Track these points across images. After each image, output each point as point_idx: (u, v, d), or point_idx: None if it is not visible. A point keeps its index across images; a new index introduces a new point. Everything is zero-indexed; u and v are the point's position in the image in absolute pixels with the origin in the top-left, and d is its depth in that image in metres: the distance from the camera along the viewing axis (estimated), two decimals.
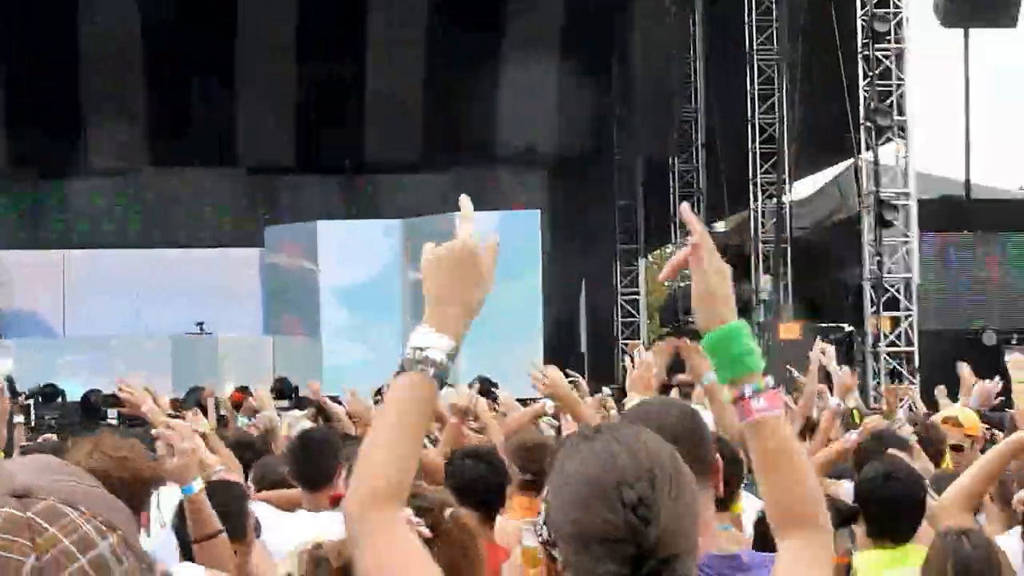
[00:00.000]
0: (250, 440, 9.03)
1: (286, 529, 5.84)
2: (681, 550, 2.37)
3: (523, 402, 10.97)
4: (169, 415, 6.63)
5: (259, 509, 6.32)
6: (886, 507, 5.64)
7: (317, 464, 6.73)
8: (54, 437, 10.60)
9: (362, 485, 2.57)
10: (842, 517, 4.58)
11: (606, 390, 14.34)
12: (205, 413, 10.27)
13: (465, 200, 2.90)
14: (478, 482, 5.71)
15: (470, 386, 14.55)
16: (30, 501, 1.64)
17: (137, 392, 7.22)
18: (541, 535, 2.45)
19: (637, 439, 2.48)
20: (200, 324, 25.00)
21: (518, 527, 5.69)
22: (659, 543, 2.34)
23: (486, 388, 14.16)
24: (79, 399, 21.84)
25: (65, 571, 1.59)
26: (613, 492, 2.35)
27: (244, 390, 15.48)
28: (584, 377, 12.70)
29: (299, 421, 10.38)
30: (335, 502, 6.29)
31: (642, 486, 2.36)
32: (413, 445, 2.66)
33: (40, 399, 22.22)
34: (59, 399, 22.18)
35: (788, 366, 14.56)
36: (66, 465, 1.74)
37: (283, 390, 17.48)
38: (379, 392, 15.58)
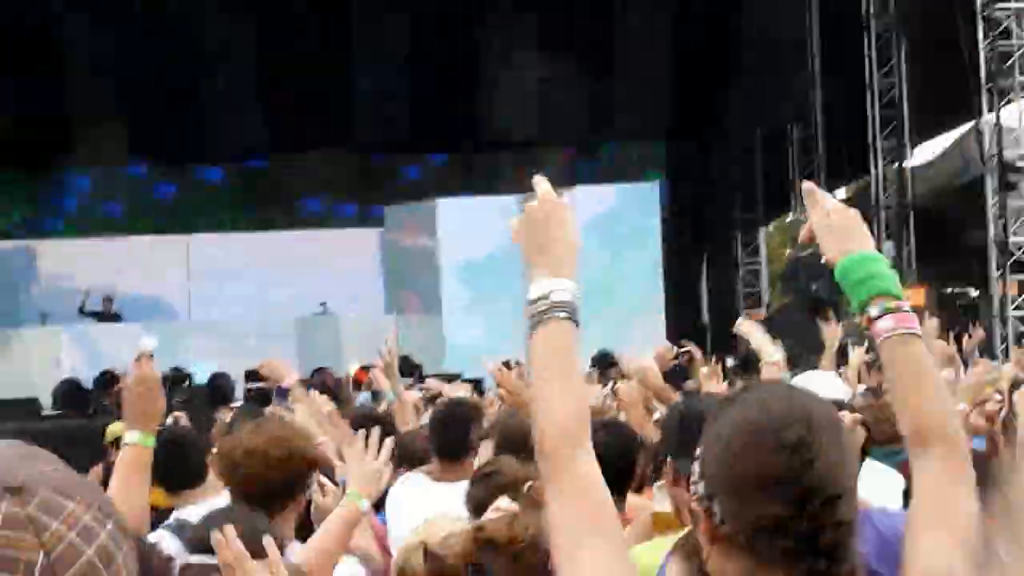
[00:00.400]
0: (374, 415, 9.08)
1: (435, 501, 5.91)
2: (841, 490, 2.37)
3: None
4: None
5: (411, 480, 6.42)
6: None
7: (457, 435, 6.78)
8: (184, 417, 10.72)
9: (550, 426, 2.60)
10: None
11: (729, 361, 14.27)
12: (330, 394, 10.36)
13: (539, 179, 2.89)
14: (605, 453, 5.68)
15: (593, 362, 14.61)
16: (27, 496, 1.62)
17: (279, 366, 7.43)
18: (696, 491, 2.43)
19: (789, 390, 2.54)
20: (323, 304, 25.25)
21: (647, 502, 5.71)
22: (820, 483, 2.34)
23: (606, 362, 14.18)
24: (206, 382, 22.17)
25: (75, 565, 1.59)
26: (771, 436, 2.36)
27: (367, 369, 15.61)
28: (707, 348, 12.70)
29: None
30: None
31: (800, 428, 2.36)
32: (580, 389, 2.75)
33: (168, 382, 22.52)
34: (186, 382, 22.46)
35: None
36: (34, 448, 1.71)
37: (404, 368, 17.57)
38: (505, 366, 15.66)
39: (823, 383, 6.13)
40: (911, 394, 2.75)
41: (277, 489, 4.92)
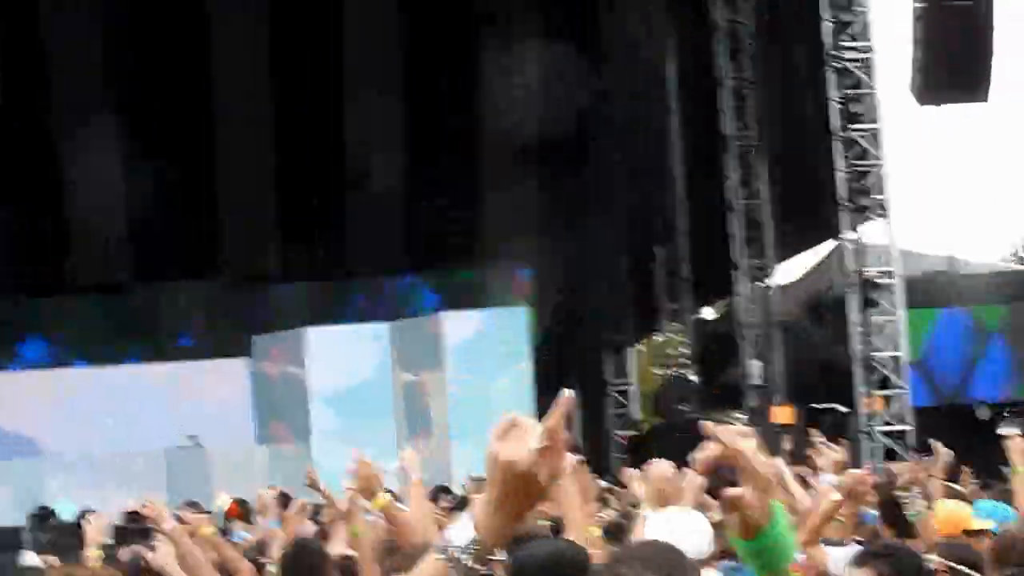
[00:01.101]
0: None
1: None
2: None
3: None
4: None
5: None
6: None
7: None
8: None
9: None
10: None
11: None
12: None
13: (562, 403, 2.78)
14: None
15: (463, 487, 14.52)
16: None
17: (160, 509, 7.29)
18: None
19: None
20: (192, 437, 24.90)
21: None
22: None
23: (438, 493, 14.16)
24: (74, 520, 21.71)
25: None
26: None
27: (240, 502, 15.38)
28: None
29: None
30: None
31: None
32: None
33: (34, 521, 22.03)
34: (50, 519, 21.97)
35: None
36: None
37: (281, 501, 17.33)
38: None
39: (685, 525, 6.04)
40: None
41: None
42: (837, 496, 7.43)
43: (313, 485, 9.76)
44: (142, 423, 25.45)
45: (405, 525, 6.97)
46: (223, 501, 15.85)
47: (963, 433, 24.16)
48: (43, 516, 21.98)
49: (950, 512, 8.77)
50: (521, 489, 2.62)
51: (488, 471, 2.67)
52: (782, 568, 2.78)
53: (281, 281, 28.79)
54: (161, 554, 6.51)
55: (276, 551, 8.94)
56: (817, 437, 9.41)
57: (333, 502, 9.13)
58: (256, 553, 8.97)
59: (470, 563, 2.60)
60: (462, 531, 2.69)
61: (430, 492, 12.15)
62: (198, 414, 25.41)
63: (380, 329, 25.11)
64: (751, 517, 2.77)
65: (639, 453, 31.01)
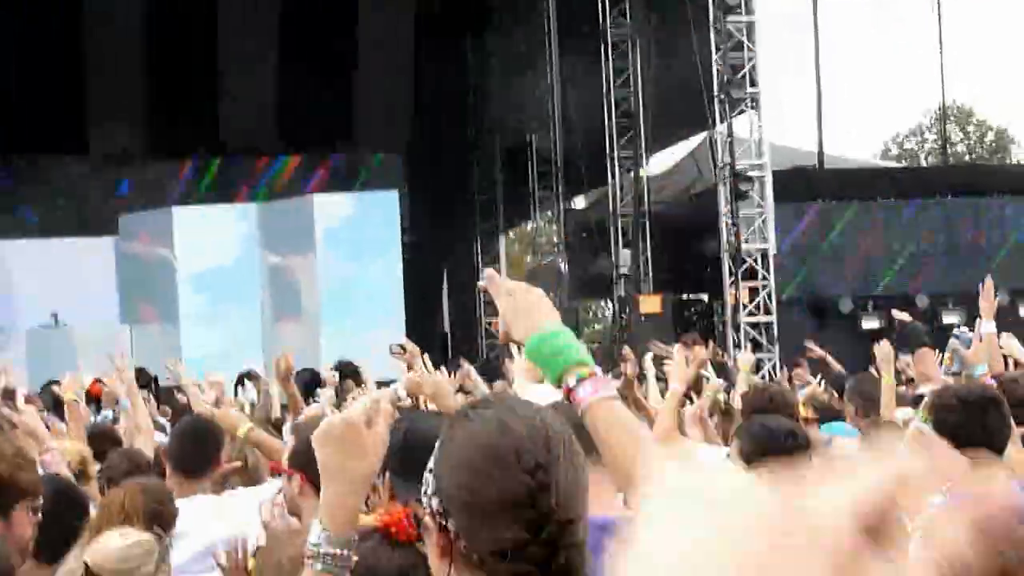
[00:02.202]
0: (109, 432, 8.86)
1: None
2: (576, 515, 2.37)
3: (384, 384, 10.81)
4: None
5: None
6: None
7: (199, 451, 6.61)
8: None
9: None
10: None
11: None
12: (61, 407, 10.06)
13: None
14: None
15: (332, 370, 14.47)
16: None
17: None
18: (430, 506, 2.40)
19: (529, 407, 2.50)
20: (54, 315, 24.58)
21: None
22: (558, 507, 2.33)
23: (348, 370, 14.06)
24: None
25: None
26: (511, 457, 2.34)
27: (101, 382, 15.22)
28: (449, 355, 12.68)
29: None
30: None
31: (539, 451, 2.35)
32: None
33: None
34: None
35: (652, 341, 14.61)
36: None
37: (140, 379, 17.20)
38: (240, 380, 15.43)
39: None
40: (626, 450, 2.90)
41: None
42: (678, 388, 7.59)
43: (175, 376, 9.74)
44: (4, 300, 25.10)
45: (272, 448, 6.98)
46: (84, 381, 15.66)
47: (824, 325, 24.67)
48: None
49: None
50: (348, 448, 2.73)
51: (316, 446, 2.78)
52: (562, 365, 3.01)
53: (150, 159, 28.42)
54: (28, 414, 6.49)
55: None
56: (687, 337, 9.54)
57: (193, 397, 9.12)
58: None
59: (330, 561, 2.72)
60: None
61: (297, 375, 12.05)
62: (63, 292, 25.07)
63: (249, 209, 24.91)
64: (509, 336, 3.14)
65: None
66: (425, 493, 2.43)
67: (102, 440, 8.00)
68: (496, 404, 2.51)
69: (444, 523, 2.37)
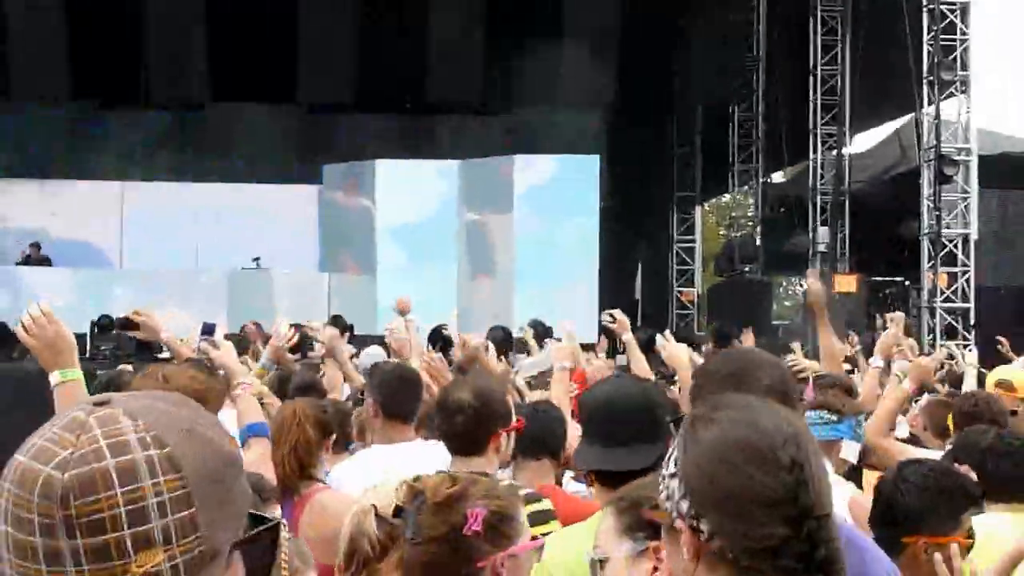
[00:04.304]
0: (316, 385, 9.00)
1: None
2: (831, 509, 2.42)
3: (583, 347, 10.87)
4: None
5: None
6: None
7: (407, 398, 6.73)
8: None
9: None
10: (972, 499, 4.52)
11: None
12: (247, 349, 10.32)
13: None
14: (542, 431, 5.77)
15: (522, 329, 14.63)
16: (99, 408, 1.80)
17: (155, 319, 7.28)
18: (679, 509, 2.41)
19: (768, 407, 2.52)
20: (256, 259, 25.11)
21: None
22: (815, 502, 2.37)
23: (540, 329, 14.21)
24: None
25: (89, 466, 1.73)
26: (769, 455, 2.37)
27: (297, 327, 15.55)
28: (638, 322, 12.71)
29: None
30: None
31: (792, 448, 2.39)
32: None
33: (96, 330, 22.42)
34: (114, 330, 22.34)
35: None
36: (183, 398, 1.89)
37: (336, 326, 17.53)
38: (434, 331, 15.66)
39: None
40: None
41: None
42: (908, 387, 7.53)
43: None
44: (209, 242, 25.67)
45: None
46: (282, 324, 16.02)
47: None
48: (105, 325, 22.36)
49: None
50: None
51: None
52: None
53: (356, 111, 28.80)
54: (225, 350, 6.66)
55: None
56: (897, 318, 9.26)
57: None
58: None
59: None
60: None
61: (489, 333, 12.23)
62: (266, 237, 25.62)
63: (451, 166, 25.15)
64: None
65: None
66: (669, 498, 2.44)
67: (308, 392, 8.15)
68: (735, 405, 2.52)
69: (696, 524, 2.38)
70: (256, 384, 7.24)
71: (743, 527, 2.34)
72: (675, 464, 2.44)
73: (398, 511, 3.04)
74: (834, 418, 6.15)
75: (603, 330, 12.08)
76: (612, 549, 3.21)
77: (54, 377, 4.49)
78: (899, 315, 9.83)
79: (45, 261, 25.59)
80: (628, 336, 8.10)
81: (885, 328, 9.25)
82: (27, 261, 25.44)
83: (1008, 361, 13.50)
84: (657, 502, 2.50)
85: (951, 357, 11.67)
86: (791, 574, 2.34)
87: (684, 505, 2.40)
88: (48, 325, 4.47)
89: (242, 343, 12.23)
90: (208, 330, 10.67)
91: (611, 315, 8.31)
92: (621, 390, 4.52)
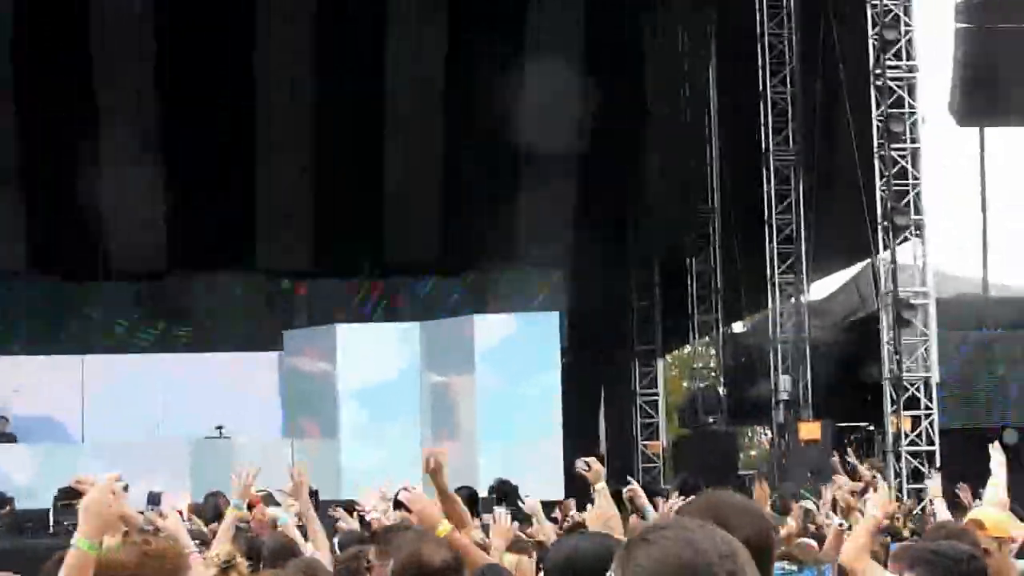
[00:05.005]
0: (290, 546, 8.93)
1: None
2: None
3: (545, 505, 10.89)
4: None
5: None
6: None
7: None
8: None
9: None
10: None
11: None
12: (221, 517, 10.23)
13: None
14: None
15: (490, 491, 14.57)
16: None
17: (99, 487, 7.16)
18: None
19: (705, 527, 2.52)
20: (219, 428, 25.05)
21: None
22: None
23: (506, 489, 14.17)
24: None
25: None
26: (706, 571, 2.37)
27: (261, 494, 15.44)
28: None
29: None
30: None
31: (730, 563, 2.40)
32: None
33: (59, 504, 22.23)
34: (78, 504, 22.12)
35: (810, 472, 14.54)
36: None
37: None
38: (396, 497, 15.54)
39: None
40: None
41: None
42: (876, 513, 7.48)
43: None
44: (172, 412, 25.62)
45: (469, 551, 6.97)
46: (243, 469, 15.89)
47: (986, 457, 24.19)
48: (69, 498, 22.17)
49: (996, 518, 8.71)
50: None
51: None
52: None
53: (315, 277, 28.94)
54: (173, 519, 6.67)
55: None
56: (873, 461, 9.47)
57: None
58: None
59: None
60: None
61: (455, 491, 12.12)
62: (228, 405, 25.56)
63: (411, 329, 25.24)
64: None
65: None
66: None
67: (281, 557, 8.09)
68: (671, 526, 2.52)
69: None
70: (224, 548, 7.20)
71: None
72: None
73: None
74: (794, 568, 6.18)
75: (573, 484, 12.09)
76: None
77: (82, 542, 4.66)
78: (841, 479, 9.88)
79: (10, 438, 25.47)
80: (601, 485, 8.12)
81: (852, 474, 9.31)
82: None
83: (967, 510, 13.50)
84: None
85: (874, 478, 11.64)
86: None
87: None
88: (115, 500, 4.74)
89: (215, 512, 12.16)
90: (154, 500, 10.59)
91: (587, 463, 8.35)
92: (581, 547, 4.48)
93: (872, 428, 26.36)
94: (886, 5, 23.81)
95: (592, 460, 8.50)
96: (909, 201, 24.06)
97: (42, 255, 27.13)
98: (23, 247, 26.91)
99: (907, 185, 24.07)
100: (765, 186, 27.92)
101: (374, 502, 10.05)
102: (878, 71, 23.95)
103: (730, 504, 3.87)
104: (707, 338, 33.22)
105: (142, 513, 9.30)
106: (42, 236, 26.68)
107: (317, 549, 8.95)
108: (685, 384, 41.18)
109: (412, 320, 25.75)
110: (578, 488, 13.71)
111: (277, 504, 11.90)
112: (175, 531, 6.51)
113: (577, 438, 26.02)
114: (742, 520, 3.65)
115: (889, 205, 24.05)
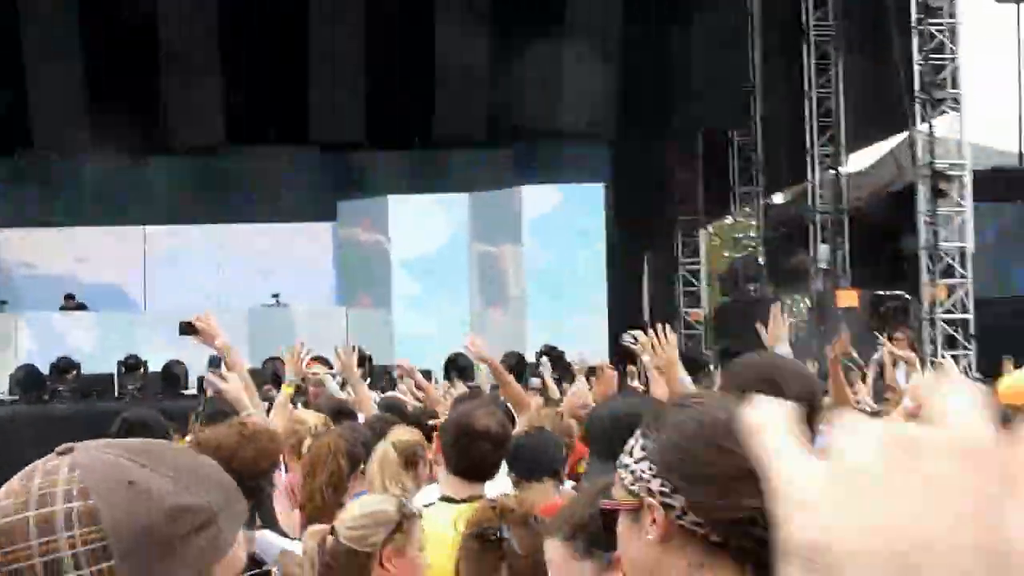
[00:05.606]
0: (346, 408, 9.53)
1: None
2: None
3: (591, 370, 11.33)
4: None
5: None
6: None
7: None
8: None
9: None
10: None
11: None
12: (280, 383, 10.95)
13: None
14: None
15: (537, 355, 15.27)
16: (55, 457, 1.83)
17: (213, 326, 7.63)
18: (648, 487, 2.45)
19: (730, 398, 2.64)
20: (276, 296, 25.71)
21: None
22: None
23: (553, 355, 14.84)
24: (160, 370, 22.76)
25: (17, 516, 1.75)
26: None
27: (319, 359, 16.18)
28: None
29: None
30: None
31: None
32: None
33: (123, 369, 23.12)
34: (141, 369, 23.05)
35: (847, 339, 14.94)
36: (148, 447, 1.89)
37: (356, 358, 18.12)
38: (450, 361, 16.31)
39: None
40: None
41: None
42: (908, 405, 7.89)
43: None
44: (230, 281, 26.27)
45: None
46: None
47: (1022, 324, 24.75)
48: (132, 365, 23.09)
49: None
50: None
51: None
52: None
53: (368, 148, 29.25)
54: (232, 382, 6.85)
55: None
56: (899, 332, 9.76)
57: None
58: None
59: None
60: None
61: (504, 358, 12.83)
62: (284, 274, 26.23)
63: (460, 199, 25.73)
64: None
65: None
66: (636, 481, 2.48)
67: (340, 415, 8.72)
68: (706, 396, 2.67)
69: (669, 501, 2.43)
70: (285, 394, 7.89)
71: (724, 500, 2.38)
72: (641, 450, 2.50)
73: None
74: None
75: (620, 352, 12.44)
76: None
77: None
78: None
79: (80, 306, 26.37)
80: (647, 358, 7.89)
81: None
82: (63, 310, 26.19)
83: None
84: (603, 506, 2.60)
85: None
86: (763, 543, 2.32)
87: (656, 484, 2.45)
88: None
89: (275, 377, 12.86)
90: (215, 362, 11.16)
91: (633, 336, 8.14)
92: (628, 407, 4.62)
93: (908, 297, 26.88)
94: None
95: (639, 333, 8.38)
96: (946, 76, 24.44)
97: (105, 133, 27.60)
98: (86, 122, 27.31)
99: (945, 60, 24.43)
100: (805, 60, 28.26)
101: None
102: None
103: (779, 366, 4.21)
104: (748, 208, 33.67)
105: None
106: (104, 115, 27.13)
107: (362, 412, 9.58)
108: (726, 253, 41.66)
109: (461, 191, 26.17)
110: (619, 355, 14.36)
111: (331, 367, 12.62)
112: (235, 395, 6.68)
113: (622, 307, 26.65)
114: (794, 380, 3.97)
115: (926, 79, 24.44)
